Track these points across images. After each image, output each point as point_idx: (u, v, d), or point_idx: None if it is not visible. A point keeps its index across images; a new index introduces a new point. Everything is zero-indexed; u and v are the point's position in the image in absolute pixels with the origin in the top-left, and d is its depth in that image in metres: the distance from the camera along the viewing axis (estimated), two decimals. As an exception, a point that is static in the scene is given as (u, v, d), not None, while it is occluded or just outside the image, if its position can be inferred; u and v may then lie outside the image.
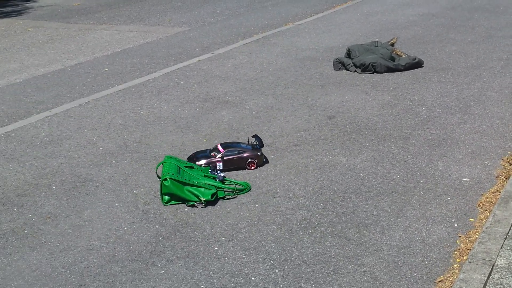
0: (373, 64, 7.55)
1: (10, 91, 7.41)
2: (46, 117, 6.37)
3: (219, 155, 4.91)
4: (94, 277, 3.55)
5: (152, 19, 12.11)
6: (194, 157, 4.98)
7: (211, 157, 4.92)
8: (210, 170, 4.75)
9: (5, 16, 13.10)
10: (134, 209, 4.35)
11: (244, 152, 4.95)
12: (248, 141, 5.13)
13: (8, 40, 10.52)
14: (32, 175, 4.98)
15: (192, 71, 8.00)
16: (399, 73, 7.55)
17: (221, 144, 5.03)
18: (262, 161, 5.00)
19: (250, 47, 9.27)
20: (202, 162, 4.89)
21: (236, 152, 4.93)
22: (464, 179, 4.62)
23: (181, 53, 9.11)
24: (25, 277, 3.58)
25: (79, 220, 4.22)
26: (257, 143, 5.06)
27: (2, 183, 4.85)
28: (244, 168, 4.92)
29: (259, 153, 4.96)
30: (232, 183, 4.63)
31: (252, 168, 4.93)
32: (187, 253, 3.77)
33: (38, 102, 6.95)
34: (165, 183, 4.37)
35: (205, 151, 5.06)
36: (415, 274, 3.47)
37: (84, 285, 3.48)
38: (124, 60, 8.80)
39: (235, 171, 4.86)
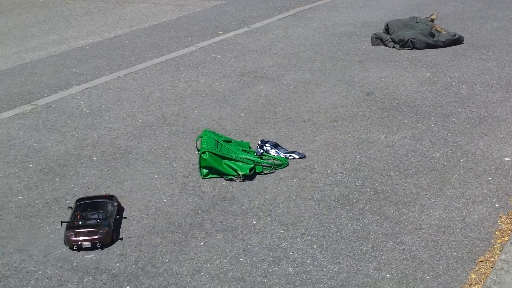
0: (412, 40, 7.44)
1: (50, 63, 7.51)
2: (86, 88, 6.45)
3: None
4: (135, 247, 3.62)
5: (189, -8, 12.08)
6: None
7: None
8: (250, 145, 4.77)
9: (43, -12, 13.22)
10: (173, 181, 4.40)
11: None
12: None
13: (47, 12, 10.62)
14: (73, 145, 5.06)
15: (229, 45, 7.99)
16: (438, 49, 7.43)
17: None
18: None
19: (286, 22, 9.21)
20: None
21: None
22: (506, 158, 4.56)
23: (217, 26, 9.09)
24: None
25: (119, 191, 4.28)
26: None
27: (44, 153, 4.94)
28: None
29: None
30: (270, 158, 4.64)
31: None
32: (225, 226, 3.81)
33: (77, 73, 7.03)
34: (204, 156, 4.40)
35: None
36: (455, 253, 3.45)
37: (126, 254, 3.55)
38: (161, 33, 8.82)
39: (286, 140, 4.86)
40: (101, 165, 4.69)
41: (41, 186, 4.39)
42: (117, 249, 3.59)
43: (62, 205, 4.12)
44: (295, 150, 4.79)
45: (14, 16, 10.33)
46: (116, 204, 3.91)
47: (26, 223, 3.92)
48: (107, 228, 3.63)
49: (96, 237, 3.58)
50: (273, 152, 4.72)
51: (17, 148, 5.08)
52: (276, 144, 4.83)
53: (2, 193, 4.32)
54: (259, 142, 4.82)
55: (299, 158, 4.69)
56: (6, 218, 3.99)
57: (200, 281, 3.29)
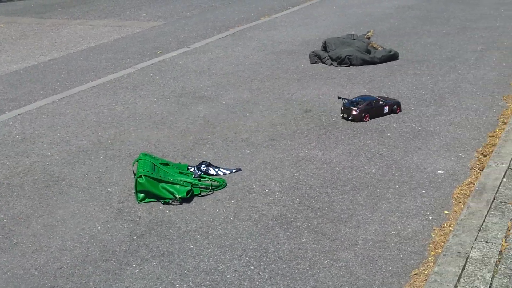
0: (349, 57, 7.55)
1: (-18, 89, 7.29)
2: (18, 114, 6.27)
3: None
4: (67, 278, 3.50)
5: (127, 13, 11.99)
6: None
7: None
8: (187, 167, 4.73)
9: (-23, 12, 12.89)
10: (108, 207, 4.30)
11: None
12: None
13: (-20, 36, 10.35)
14: (3, 174, 4.89)
15: (168, 66, 7.93)
16: (375, 65, 7.56)
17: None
18: None
19: (226, 41, 9.22)
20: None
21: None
22: (439, 171, 4.64)
23: (156, 47, 9.03)
24: (-3, 279, 3.52)
25: (51, 220, 4.15)
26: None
27: (-27, 183, 4.76)
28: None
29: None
30: (207, 179, 4.59)
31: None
32: (162, 252, 3.73)
33: (10, 99, 6.84)
34: (140, 180, 4.32)
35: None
36: (390, 267, 3.47)
37: (57, 286, 3.43)
38: (99, 55, 8.70)
39: (224, 161, 4.81)
40: (32, 193, 4.55)
41: (-31, 218, 4.22)
42: (48, 281, 3.47)
43: (-9, 237, 3.96)
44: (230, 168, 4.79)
45: None
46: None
47: (-48, 257, 3.75)
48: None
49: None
50: (212, 171, 4.70)
51: None
52: (209, 163, 4.81)
53: None
54: (188, 166, 4.81)
55: (236, 171, 4.70)
56: None
57: (134, 309, 3.21)
